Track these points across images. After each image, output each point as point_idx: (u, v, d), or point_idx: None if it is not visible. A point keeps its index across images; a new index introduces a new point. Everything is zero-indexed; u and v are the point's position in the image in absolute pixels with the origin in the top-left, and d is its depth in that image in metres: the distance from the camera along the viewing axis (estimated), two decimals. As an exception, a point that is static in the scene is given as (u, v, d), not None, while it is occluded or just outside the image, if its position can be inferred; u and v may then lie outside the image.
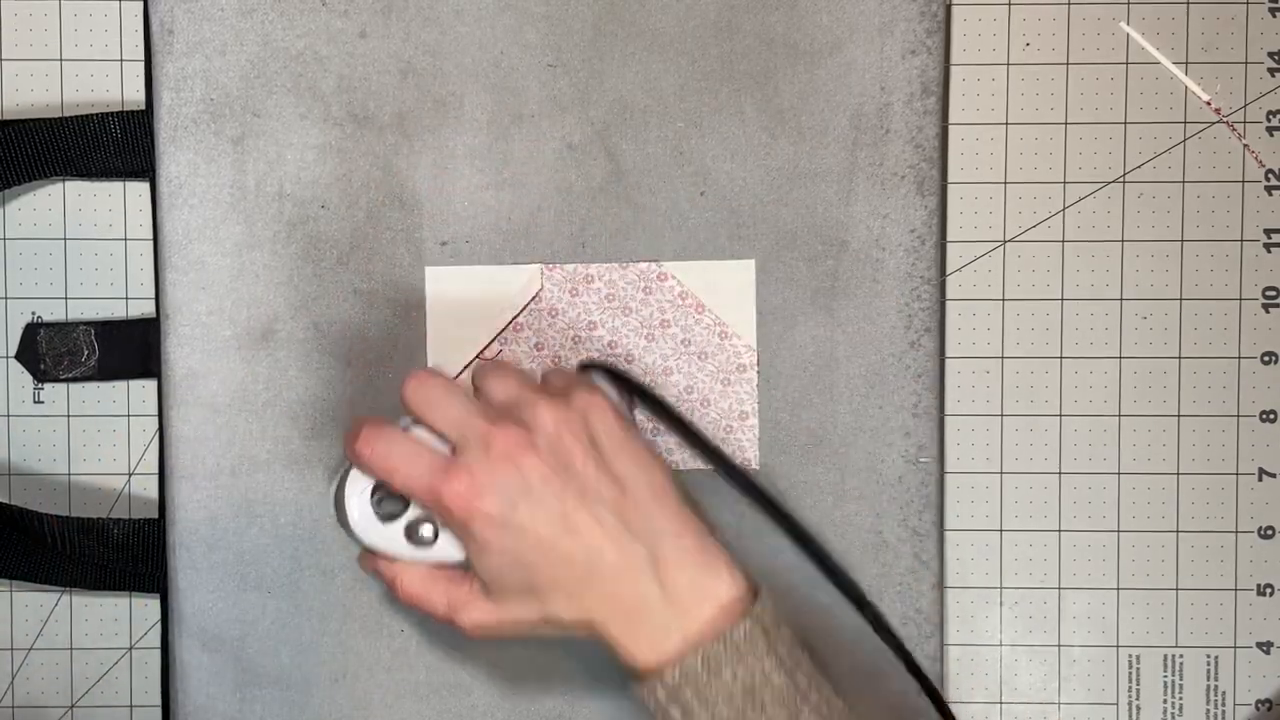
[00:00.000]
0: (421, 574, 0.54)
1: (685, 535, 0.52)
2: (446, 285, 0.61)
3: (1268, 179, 0.63)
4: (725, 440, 0.61)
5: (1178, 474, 0.63)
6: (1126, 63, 0.63)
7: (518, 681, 0.62)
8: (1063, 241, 0.63)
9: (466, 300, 0.61)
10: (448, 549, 0.54)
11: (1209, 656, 0.63)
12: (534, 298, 0.61)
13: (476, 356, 0.61)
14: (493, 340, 0.61)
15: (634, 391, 0.58)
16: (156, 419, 0.62)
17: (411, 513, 0.54)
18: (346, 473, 0.55)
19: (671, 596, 0.51)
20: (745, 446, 0.61)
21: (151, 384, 0.62)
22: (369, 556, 0.56)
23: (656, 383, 0.61)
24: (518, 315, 0.61)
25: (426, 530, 0.54)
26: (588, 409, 0.52)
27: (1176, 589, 0.63)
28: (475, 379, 0.56)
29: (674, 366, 0.61)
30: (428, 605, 0.54)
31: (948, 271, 0.63)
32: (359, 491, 0.55)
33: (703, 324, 0.61)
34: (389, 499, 0.55)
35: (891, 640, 0.58)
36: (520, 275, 0.61)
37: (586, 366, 0.59)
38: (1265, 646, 0.63)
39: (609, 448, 0.52)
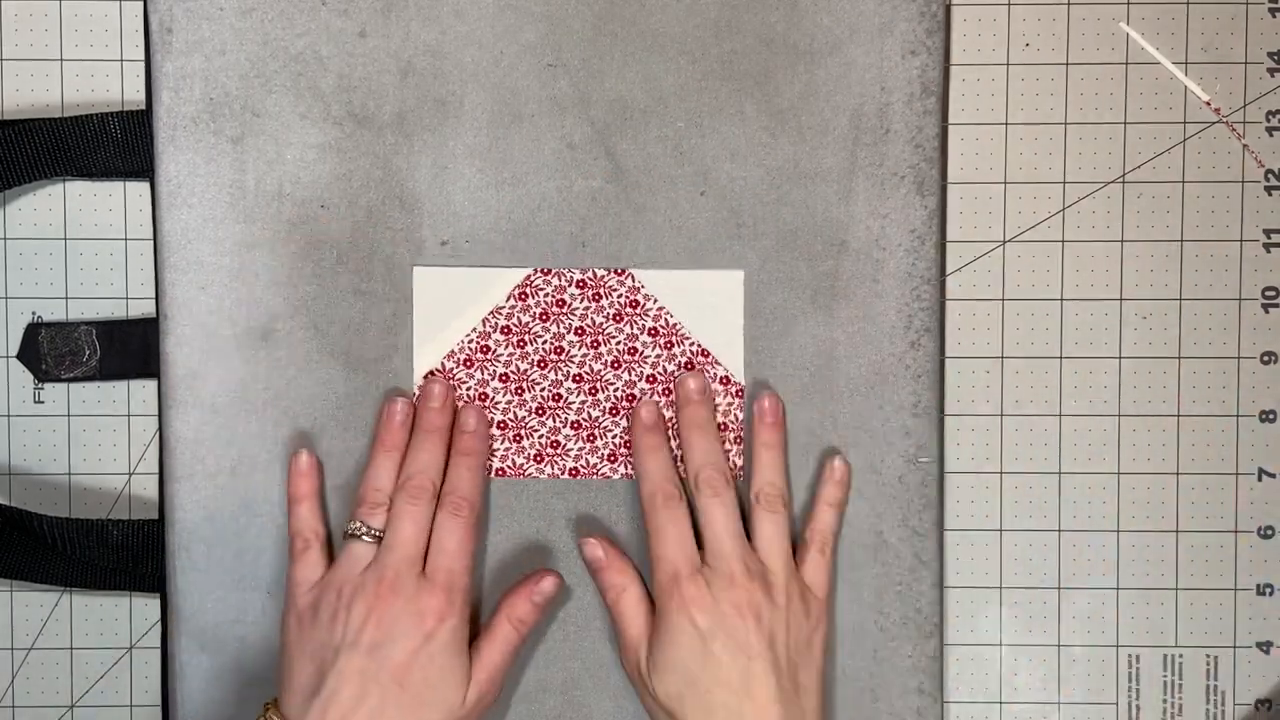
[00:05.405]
0: (642, 597, 0.60)
1: None
2: (434, 285, 0.61)
3: (1268, 179, 0.63)
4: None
5: (1177, 474, 0.63)
6: (1126, 63, 0.63)
7: (518, 681, 0.62)
8: (1062, 241, 0.63)
9: (454, 302, 0.61)
10: None
11: (1208, 656, 0.63)
12: (508, 298, 0.61)
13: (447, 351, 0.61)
14: (469, 336, 0.61)
15: None
16: (156, 419, 0.62)
17: None
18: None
19: None
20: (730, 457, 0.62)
21: (151, 384, 0.62)
22: (616, 560, 0.60)
23: (625, 408, 0.61)
24: (486, 316, 0.61)
25: None
26: (817, 628, 0.58)
27: (1176, 589, 0.63)
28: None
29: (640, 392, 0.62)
30: (623, 625, 0.59)
31: (948, 271, 0.63)
32: None
33: (681, 349, 0.61)
34: None
35: None
36: (508, 277, 0.61)
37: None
38: (1265, 646, 0.63)
39: (804, 659, 0.57)
